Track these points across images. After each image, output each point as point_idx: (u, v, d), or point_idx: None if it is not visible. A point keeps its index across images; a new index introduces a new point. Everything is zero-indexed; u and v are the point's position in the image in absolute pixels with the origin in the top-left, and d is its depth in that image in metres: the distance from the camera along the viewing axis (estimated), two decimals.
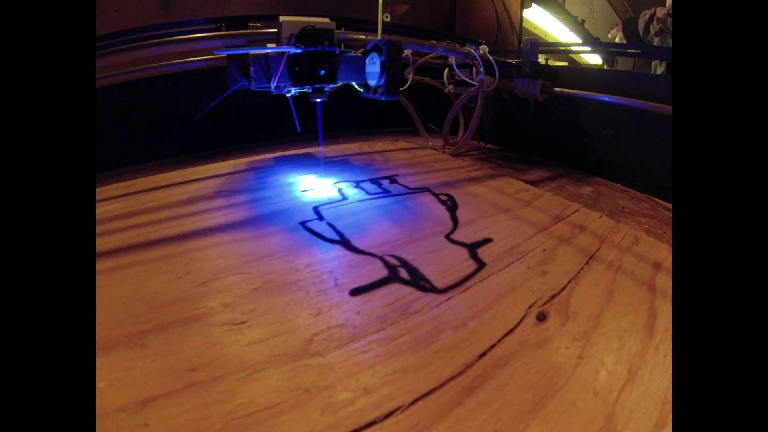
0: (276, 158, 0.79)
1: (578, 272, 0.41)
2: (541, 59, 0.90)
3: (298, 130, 0.67)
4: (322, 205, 0.55)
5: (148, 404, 0.23)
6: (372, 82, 0.62)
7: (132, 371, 0.25)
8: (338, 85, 0.62)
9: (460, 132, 1.00)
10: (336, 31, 0.58)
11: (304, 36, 0.55)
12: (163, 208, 0.52)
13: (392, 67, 0.59)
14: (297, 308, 0.33)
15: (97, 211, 0.51)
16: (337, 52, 0.58)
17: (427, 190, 0.63)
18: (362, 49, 0.64)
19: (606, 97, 0.75)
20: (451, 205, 0.57)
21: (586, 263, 0.43)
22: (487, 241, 0.47)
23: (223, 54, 0.55)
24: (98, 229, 0.45)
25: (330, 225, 0.49)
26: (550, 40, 1.56)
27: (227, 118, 0.86)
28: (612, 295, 0.38)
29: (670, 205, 0.66)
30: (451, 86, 0.92)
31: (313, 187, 0.61)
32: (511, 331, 0.32)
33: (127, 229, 0.45)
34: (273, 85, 0.57)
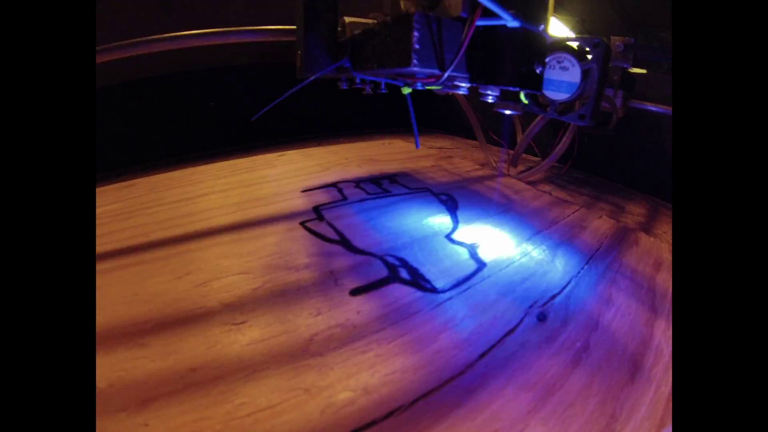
0: (276, 158, 0.79)
1: (578, 272, 0.41)
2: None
3: (418, 146, 0.55)
4: (322, 205, 0.55)
5: (148, 404, 0.23)
6: (559, 96, 0.44)
7: (132, 371, 0.25)
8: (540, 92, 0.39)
9: (519, 140, 0.76)
10: None
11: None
12: (163, 208, 0.52)
13: (602, 80, 0.42)
14: (297, 308, 0.33)
15: (97, 211, 0.51)
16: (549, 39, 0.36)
17: (427, 190, 0.63)
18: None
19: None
20: (451, 205, 0.57)
21: (586, 263, 0.43)
22: (487, 241, 0.47)
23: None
24: (98, 229, 0.45)
25: (330, 225, 0.49)
26: None
27: (227, 118, 0.86)
28: (612, 295, 0.38)
29: (670, 205, 0.66)
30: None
31: (317, 186, 0.62)
32: (511, 331, 0.32)
33: (127, 229, 0.45)
34: (447, 74, 0.31)
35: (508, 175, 0.74)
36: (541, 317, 0.34)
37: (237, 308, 0.32)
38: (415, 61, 0.29)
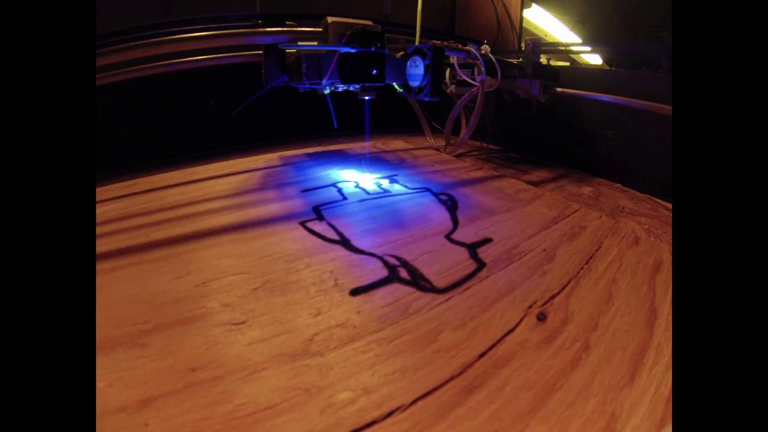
0: (275, 158, 0.79)
1: (578, 272, 0.41)
2: (543, 59, 0.90)
3: (335, 126, 0.72)
4: (322, 205, 0.55)
5: (148, 404, 0.23)
6: (414, 84, 0.67)
7: (132, 371, 0.25)
8: (379, 84, 0.66)
9: (462, 131, 0.99)
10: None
11: (356, 37, 0.58)
12: (163, 208, 0.52)
13: (436, 71, 0.64)
14: (297, 308, 0.33)
15: (97, 211, 0.51)
16: (386, 53, 0.62)
17: (427, 190, 0.63)
18: (402, 52, 0.68)
19: (606, 98, 0.75)
20: (451, 205, 0.57)
21: (586, 263, 0.43)
22: (487, 241, 0.47)
23: (292, 49, 0.59)
24: (98, 229, 0.45)
25: (330, 225, 0.49)
26: (550, 40, 1.56)
27: (227, 118, 0.86)
28: (612, 295, 0.38)
29: (670, 205, 0.66)
30: (452, 86, 0.92)
31: (317, 186, 0.62)
32: (511, 331, 0.32)
33: (127, 230, 0.45)
34: (324, 82, 0.60)
35: (441, 151, 0.92)
36: (541, 317, 0.34)
37: (237, 308, 0.32)
38: (304, 77, 0.58)
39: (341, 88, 0.65)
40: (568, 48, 1.48)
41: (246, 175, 0.67)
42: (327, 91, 0.65)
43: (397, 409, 0.24)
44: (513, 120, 0.97)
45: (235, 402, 0.24)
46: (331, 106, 0.70)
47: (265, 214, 0.51)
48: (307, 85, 0.62)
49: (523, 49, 1.30)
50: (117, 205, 0.53)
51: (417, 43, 0.67)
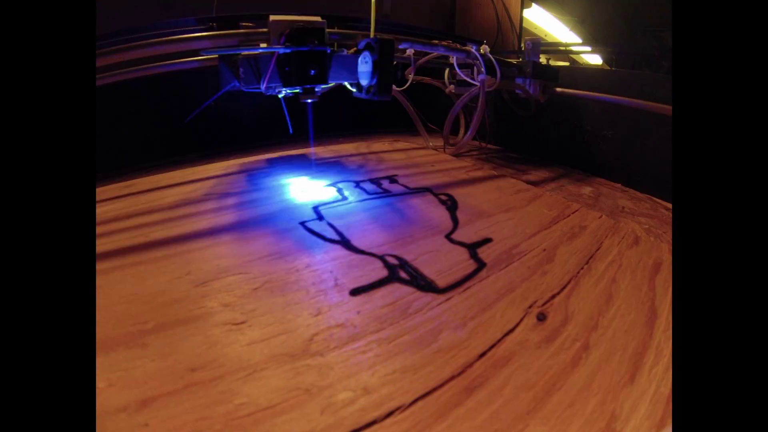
0: (276, 159, 0.79)
1: (578, 272, 0.41)
2: (542, 59, 0.90)
3: (290, 132, 0.67)
4: (322, 205, 0.55)
5: (148, 404, 0.23)
6: (364, 82, 0.61)
7: (132, 371, 0.25)
8: (330, 85, 0.61)
9: (461, 132, 0.99)
10: (328, 29, 0.57)
11: (292, 35, 0.54)
12: (163, 208, 0.52)
13: (384, 66, 0.57)
14: (297, 308, 0.33)
15: (97, 211, 0.51)
16: (328, 51, 0.57)
17: (427, 190, 0.63)
18: (354, 48, 0.62)
19: (606, 98, 0.75)
20: (451, 205, 0.57)
21: (586, 263, 0.43)
22: (487, 241, 0.47)
23: (212, 55, 0.55)
24: (98, 229, 0.45)
25: (330, 225, 0.49)
26: (550, 40, 1.56)
27: (227, 118, 0.86)
28: (612, 295, 0.38)
29: (670, 205, 0.66)
30: (452, 86, 0.92)
31: (306, 189, 0.62)
32: (511, 331, 0.32)
33: (127, 230, 0.45)
34: (263, 86, 0.56)
35: (440, 151, 0.91)
36: (541, 317, 0.34)
37: (237, 308, 0.32)
38: (242, 81, 0.55)
39: (286, 91, 0.61)
40: (568, 48, 1.48)
41: (246, 175, 0.67)
42: (282, 95, 0.62)
43: (397, 409, 0.24)
44: (512, 120, 0.97)
45: (235, 402, 0.24)
46: (285, 111, 0.66)
47: (265, 213, 0.51)
48: (263, 90, 0.58)
49: (523, 49, 1.30)
50: (117, 205, 0.53)
51: (372, 35, 0.60)
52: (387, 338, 0.30)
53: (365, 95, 0.62)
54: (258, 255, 0.41)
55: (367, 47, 0.59)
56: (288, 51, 0.54)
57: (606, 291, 0.38)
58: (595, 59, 1.59)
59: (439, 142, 0.94)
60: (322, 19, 0.58)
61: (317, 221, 0.49)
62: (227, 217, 0.50)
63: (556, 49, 1.44)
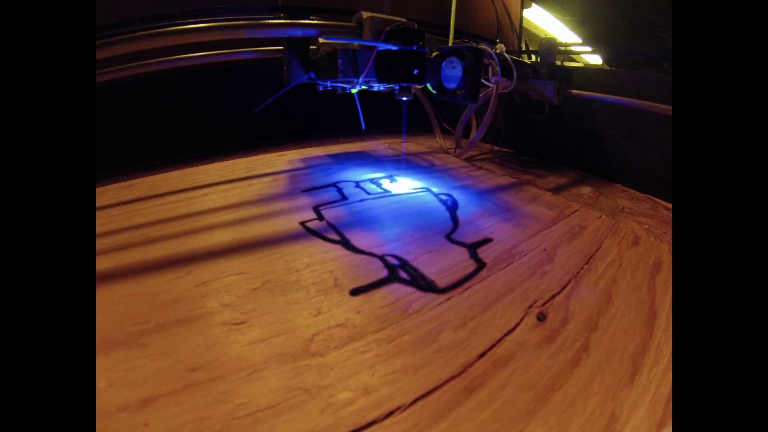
0: (276, 158, 0.79)
1: (578, 272, 0.41)
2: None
3: (363, 127, 0.71)
4: (322, 205, 0.55)
5: (148, 404, 0.23)
6: (451, 85, 0.64)
7: (132, 371, 0.25)
8: (423, 84, 0.64)
9: (472, 134, 0.96)
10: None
11: (396, 34, 0.56)
12: (163, 208, 0.52)
13: (476, 73, 0.61)
14: (297, 308, 0.33)
15: (97, 211, 0.51)
16: (426, 52, 0.60)
17: (427, 190, 0.63)
18: (436, 53, 0.65)
19: (606, 97, 0.75)
20: (451, 205, 0.57)
21: (586, 263, 0.43)
22: (487, 241, 0.47)
23: (332, 41, 0.57)
24: (98, 229, 0.45)
25: (330, 225, 0.49)
26: None
27: (227, 118, 0.86)
28: (612, 295, 0.38)
29: (670, 205, 0.66)
30: None
31: (318, 186, 0.62)
32: (511, 331, 0.32)
33: (127, 230, 0.45)
34: (361, 80, 0.57)
35: (450, 153, 0.91)
36: (541, 317, 0.34)
37: (237, 308, 0.32)
38: (340, 75, 0.56)
39: (376, 87, 0.63)
40: (568, 48, 1.47)
41: (246, 175, 0.67)
42: (355, 90, 0.63)
43: (397, 409, 0.24)
44: (523, 123, 0.96)
45: (235, 402, 0.24)
46: (359, 107, 0.69)
47: (265, 213, 0.51)
48: (329, 84, 0.59)
49: (523, 48, 1.30)
50: (117, 206, 0.53)
51: (450, 43, 0.65)
52: (387, 338, 0.30)
53: (450, 98, 0.66)
54: (258, 255, 0.41)
55: (455, 53, 0.63)
56: (395, 48, 0.57)
57: (606, 291, 0.38)
58: (595, 59, 1.59)
59: (452, 144, 0.94)
60: (408, 21, 0.61)
61: (317, 221, 0.49)
62: (227, 217, 0.50)
63: (567, 50, 1.44)
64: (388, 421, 0.23)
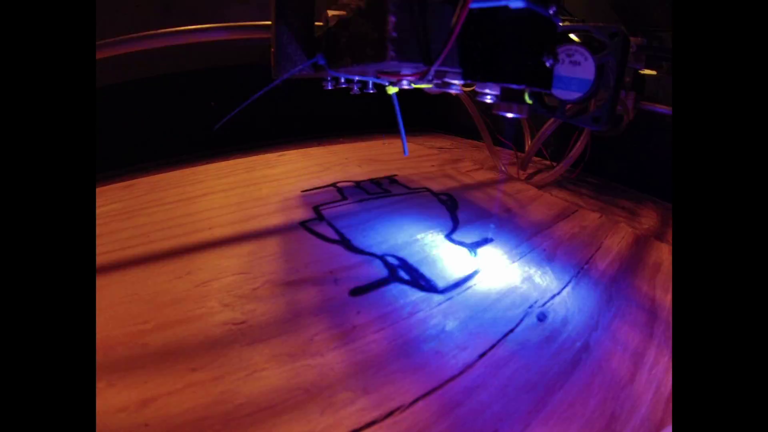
0: (276, 158, 0.79)
1: (578, 272, 0.41)
2: None
3: (406, 154, 0.50)
4: (322, 205, 0.55)
5: (148, 404, 0.23)
6: (568, 95, 0.39)
7: (132, 371, 0.25)
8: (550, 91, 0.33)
9: (527, 144, 0.74)
10: None
11: None
12: (163, 208, 0.52)
13: (620, 76, 0.36)
14: (297, 308, 0.33)
15: (98, 211, 0.51)
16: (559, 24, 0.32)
17: (427, 189, 0.63)
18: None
19: None
20: (451, 205, 0.57)
21: (586, 263, 0.43)
22: (487, 241, 0.47)
23: None
24: (98, 229, 0.45)
25: (330, 225, 0.49)
26: None
27: (226, 119, 0.86)
28: (612, 295, 0.38)
29: (670, 205, 0.66)
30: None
31: (317, 186, 0.62)
32: (511, 331, 0.32)
33: (127, 229, 0.45)
34: (433, 69, 0.25)
35: (518, 179, 0.71)
36: (541, 317, 0.34)
37: (237, 308, 0.32)
38: (392, 53, 0.23)
39: (454, 89, 0.36)
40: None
41: (246, 175, 0.67)
42: (394, 90, 0.36)
43: (397, 409, 0.24)
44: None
45: (235, 402, 0.24)
46: (400, 120, 0.39)
47: (265, 213, 0.51)
48: (342, 79, 0.38)
49: None
50: (117, 205, 0.53)
51: (566, 22, 0.38)
52: (387, 338, 0.30)
53: (560, 116, 0.39)
54: (258, 255, 0.41)
55: (584, 42, 0.37)
56: (519, 5, 0.23)
57: (606, 291, 0.38)
58: None
59: (495, 158, 0.75)
60: None
61: (317, 221, 0.49)
62: (227, 217, 0.50)
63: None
64: (388, 421, 0.23)
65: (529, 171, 0.76)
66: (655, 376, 0.28)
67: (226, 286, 0.35)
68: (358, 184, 0.64)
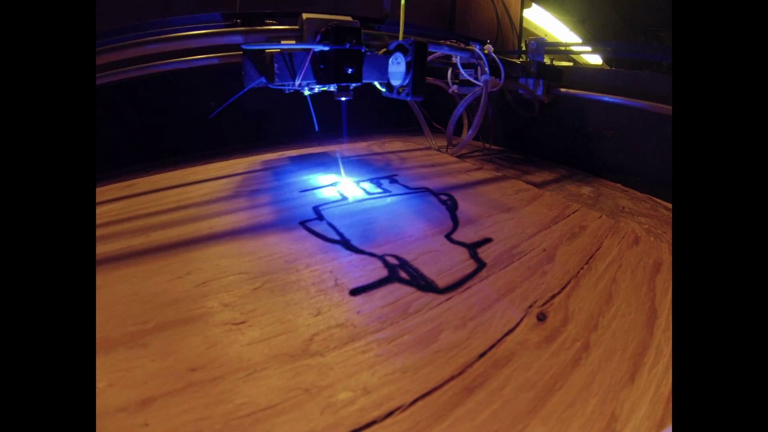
0: (276, 158, 0.79)
1: (578, 272, 0.41)
2: (546, 59, 0.90)
3: (317, 129, 0.67)
4: (322, 205, 0.55)
5: (148, 404, 0.23)
6: (396, 82, 0.63)
7: (132, 371, 0.25)
8: (361, 83, 0.62)
9: (464, 133, 0.99)
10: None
11: (330, 34, 0.55)
12: (163, 208, 0.52)
13: (418, 68, 0.60)
14: (297, 308, 0.33)
15: (97, 211, 0.51)
16: (363, 50, 0.58)
17: (427, 190, 0.63)
18: (384, 49, 0.64)
19: (606, 97, 0.75)
20: (451, 205, 0.57)
21: (586, 263, 0.43)
22: (487, 241, 0.47)
23: (251, 48, 0.55)
24: (98, 229, 0.45)
25: (330, 225, 0.49)
26: (550, 40, 1.56)
27: (227, 118, 0.86)
28: (612, 295, 0.38)
29: (670, 205, 0.66)
30: (455, 86, 0.92)
31: (316, 186, 0.62)
32: (511, 331, 0.32)
33: (127, 230, 0.45)
34: (297, 83, 0.56)
35: (443, 152, 0.91)
36: (541, 317, 0.34)
37: (237, 308, 0.32)
38: (276, 80, 0.55)
39: (318, 89, 0.61)
40: (568, 48, 1.47)
41: (246, 175, 0.67)
42: (307, 93, 0.61)
43: (397, 409, 0.24)
44: (515, 121, 0.97)
45: (235, 402, 0.24)
46: (311, 108, 0.66)
47: (265, 213, 0.51)
48: (291, 87, 0.58)
49: (524, 48, 1.30)
50: (117, 206, 0.53)
51: (401, 38, 0.62)
52: (387, 338, 0.30)
53: (396, 95, 0.64)
54: (258, 255, 0.41)
55: (399, 48, 0.61)
56: (326, 49, 0.55)
57: (606, 291, 0.38)
58: (595, 59, 1.59)
59: (443, 143, 0.94)
60: (354, 19, 0.58)
61: (317, 221, 0.49)
62: (227, 217, 0.50)
63: (557, 49, 1.44)
64: (388, 421, 0.23)
65: (464, 152, 0.93)
66: (655, 376, 0.28)
67: (226, 286, 0.35)
68: (358, 184, 0.64)
